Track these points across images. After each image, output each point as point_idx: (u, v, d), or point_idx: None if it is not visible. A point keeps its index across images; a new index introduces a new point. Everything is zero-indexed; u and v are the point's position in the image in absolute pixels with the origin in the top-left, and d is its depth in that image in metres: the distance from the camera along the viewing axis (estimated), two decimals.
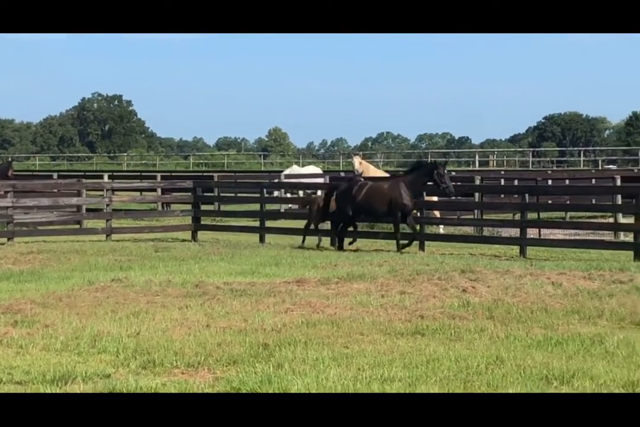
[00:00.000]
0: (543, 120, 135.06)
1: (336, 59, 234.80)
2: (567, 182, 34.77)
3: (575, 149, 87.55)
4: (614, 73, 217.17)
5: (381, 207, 21.18)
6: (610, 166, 65.30)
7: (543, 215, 28.05)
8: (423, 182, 21.17)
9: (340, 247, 21.28)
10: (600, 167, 62.70)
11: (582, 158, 74.79)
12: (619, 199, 23.62)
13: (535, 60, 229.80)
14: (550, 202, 28.56)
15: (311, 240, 21.96)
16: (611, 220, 26.07)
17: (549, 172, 46.82)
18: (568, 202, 28.81)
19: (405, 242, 20.84)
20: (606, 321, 10.88)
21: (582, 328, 10.37)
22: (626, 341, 9.52)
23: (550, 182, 34.11)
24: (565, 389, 7.64)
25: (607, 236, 24.03)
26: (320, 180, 33.85)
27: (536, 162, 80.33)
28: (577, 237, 23.75)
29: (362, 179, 23.11)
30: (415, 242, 20.97)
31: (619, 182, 27.13)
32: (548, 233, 24.48)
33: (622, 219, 24.66)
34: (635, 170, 49.48)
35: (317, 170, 42.30)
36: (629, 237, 20.79)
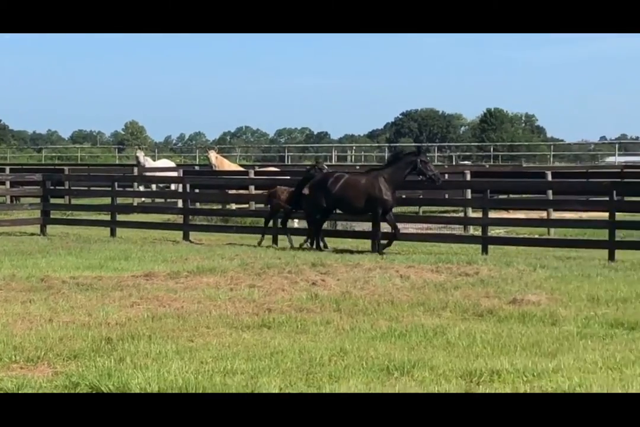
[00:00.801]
0: (400, 117, 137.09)
1: (194, 53, 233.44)
2: (420, 176, 35.25)
3: (432, 144, 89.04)
4: (469, 71, 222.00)
5: (358, 202, 19.56)
6: (465, 162, 66.70)
7: (397, 209, 28.46)
8: (405, 175, 19.56)
9: (318, 246, 19.70)
10: (454, 163, 64.01)
11: (437, 154, 76.08)
12: (469, 194, 24.07)
13: (393, 57, 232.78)
14: (404, 196, 28.93)
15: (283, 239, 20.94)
16: (462, 214, 26.56)
17: None
18: (421, 196, 29.22)
19: (385, 242, 19.44)
20: (450, 313, 11.06)
21: (426, 320, 10.52)
22: (467, 332, 9.70)
23: None
24: (405, 380, 7.73)
25: (458, 230, 24.51)
26: (174, 173, 33.59)
27: None
28: (430, 231, 24.21)
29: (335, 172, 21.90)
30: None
31: (469, 177, 27.67)
32: (401, 227, 24.79)
33: (471, 213, 25.16)
34: (487, 166, 50.64)
35: (170, 163, 41.85)
36: (478, 231, 21.24)
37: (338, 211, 20.57)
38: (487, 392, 7.20)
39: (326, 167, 22.18)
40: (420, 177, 19.67)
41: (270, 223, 21.26)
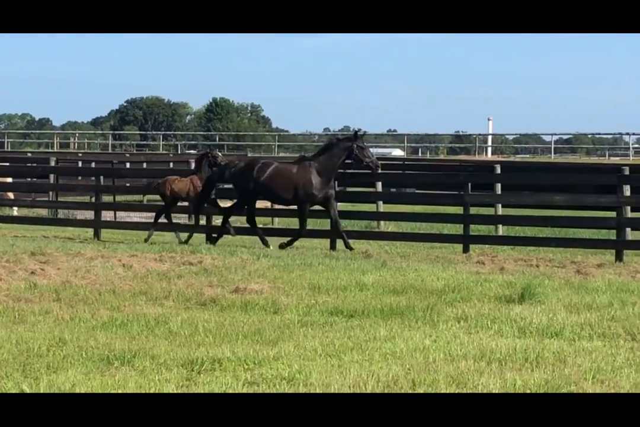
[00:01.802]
0: (125, 104, 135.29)
1: None
2: (144, 165, 35.15)
3: (157, 133, 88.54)
4: (196, 60, 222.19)
5: (286, 193, 18.04)
6: (191, 151, 66.77)
7: (121, 198, 28.12)
8: (340, 163, 18.04)
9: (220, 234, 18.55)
10: (180, 152, 63.93)
11: (162, 142, 75.74)
12: None
13: (120, 44, 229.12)
14: (128, 185, 28.58)
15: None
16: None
17: (127, 155, 46.95)
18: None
19: (288, 239, 18.02)
20: (173, 302, 10.99)
21: (148, 309, 10.41)
22: (190, 321, 9.67)
23: (128, 165, 34.28)
24: (125, 369, 7.61)
25: (184, 219, 24.41)
26: None
27: (118, 146, 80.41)
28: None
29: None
30: None
31: (193, 167, 27.60)
32: (125, 216, 24.52)
33: None
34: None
35: None
36: (202, 220, 21.25)
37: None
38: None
39: (220, 154, 20.80)
40: (353, 163, 18.19)
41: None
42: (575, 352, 8.38)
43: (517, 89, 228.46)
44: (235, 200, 19.09)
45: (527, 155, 73.69)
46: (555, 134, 64.08)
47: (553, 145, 61.16)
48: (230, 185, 19.59)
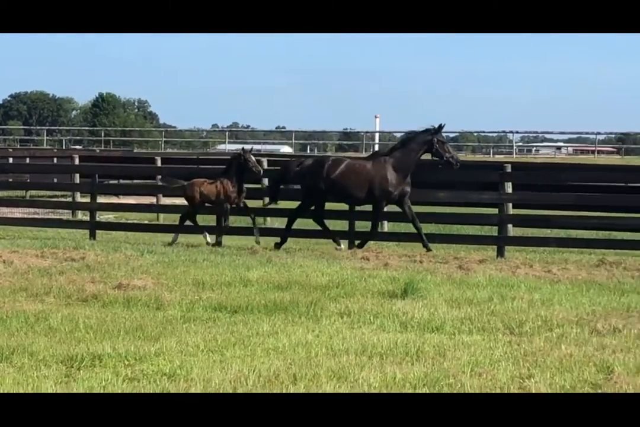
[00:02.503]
0: (9, 98, 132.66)
1: None
2: (27, 160, 34.54)
3: (41, 128, 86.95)
4: (82, 55, 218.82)
5: (359, 192, 16.84)
6: (76, 146, 65.83)
7: (3, 193, 27.57)
8: (417, 157, 16.95)
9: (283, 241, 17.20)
10: (65, 147, 62.92)
11: (47, 137, 74.42)
12: (78, 178, 23.66)
13: None
14: (10, 180, 28.01)
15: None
16: (70, 199, 26.11)
17: (10, 150, 46.06)
18: (28, 180, 28.47)
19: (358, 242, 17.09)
20: (53, 298, 10.83)
21: (28, 305, 10.23)
22: (70, 317, 9.53)
23: (11, 160, 33.63)
24: (3, 366, 7.48)
25: (67, 215, 24.10)
26: None
27: (1, 141, 78.74)
28: (36, 216, 23.65)
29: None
30: None
31: (77, 162, 27.29)
32: (7, 211, 24.03)
33: (80, 198, 24.83)
34: (98, 151, 50.24)
35: None
36: (86, 216, 20.99)
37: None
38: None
39: (253, 158, 18.03)
40: (434, 158, 17.08)
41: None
42: (454, 346, 8.51)
43: (404, 86, 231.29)
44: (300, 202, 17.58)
45: None
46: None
47: None
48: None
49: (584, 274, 13.85)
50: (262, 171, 17.85)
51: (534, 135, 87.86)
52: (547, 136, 68.72)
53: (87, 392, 6.63)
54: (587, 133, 66.22)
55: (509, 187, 17.17)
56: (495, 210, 17.58)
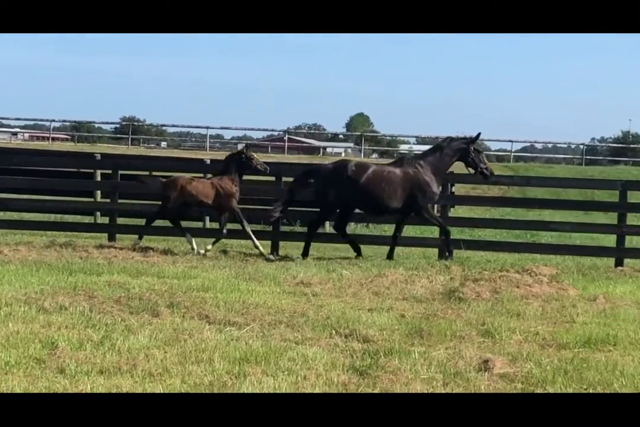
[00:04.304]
0: None
1: None
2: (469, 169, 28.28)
3: None
4: None
5: (392, 200, 15.14)
6: None
7: None
8: (450, 164, 15.72)
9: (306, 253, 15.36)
10: None
11: None
12: None
13: None
14: None
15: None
16: None
17: None
18: None
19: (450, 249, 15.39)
20: None
21: None
22: None
23: None
24: None
25: None
26: None
27: None
28: None
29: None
30: None
31: None
32: None
33: None
34: None
35: None
36: None
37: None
38: None
39: (256, 156, 16.10)
40: (468, 169, 15.81)
41: None
42: None
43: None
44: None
45: None
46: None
47: None
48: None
49: (34, 255, 13.98)
50: (268, 169, 15.73)
51: None
52: (4, 122, 67.52)
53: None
54: (42, 120, 66.03)
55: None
56: None
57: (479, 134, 15.67)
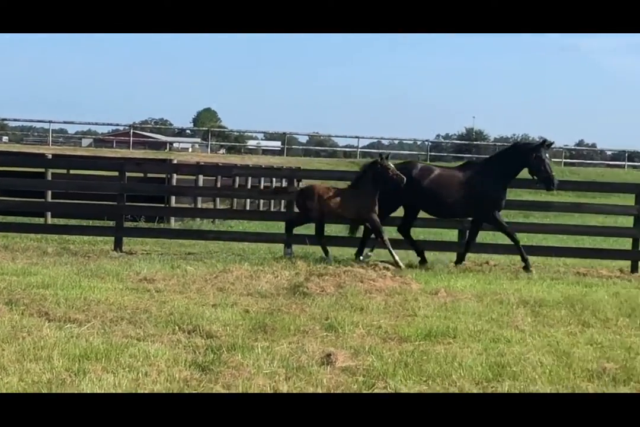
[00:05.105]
0: None
1: None
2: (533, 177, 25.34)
3: None
4: None
5: (457, 204, 14.94)
6: None
7: None
8: (515, 169, 15.04)
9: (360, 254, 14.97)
10: None
11: None
12: None
13: None
14: None
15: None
16: None
17: None
18: None
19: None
20: None
21: None
22: None
23: None
24: None
25: None
26: None
27: None
28: None
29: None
30: None
31: None
32: None
33: None
34: None
35: None
36: None
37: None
38: None
39: (392, 165, 14.71)
40: (534, 177, 15.07)
41: None
42: None
43: None
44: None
45: None
46: None
47: None
48: None
49: None
50: (405, 180, 14.47)
51: None
52: None
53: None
54: None
55: None
56: None
57: (544, 141, 15.24)
